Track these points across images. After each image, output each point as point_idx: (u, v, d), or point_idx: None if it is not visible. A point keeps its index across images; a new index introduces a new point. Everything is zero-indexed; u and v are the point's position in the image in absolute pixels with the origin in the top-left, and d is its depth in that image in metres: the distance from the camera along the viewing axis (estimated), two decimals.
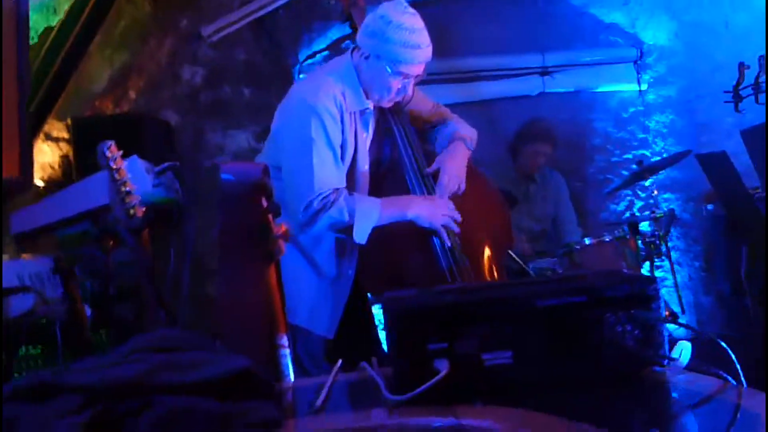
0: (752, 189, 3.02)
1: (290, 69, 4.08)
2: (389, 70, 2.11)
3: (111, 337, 1.96)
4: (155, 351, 1.01)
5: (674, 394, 1.08)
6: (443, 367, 1.08)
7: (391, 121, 2.29)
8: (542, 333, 1.12)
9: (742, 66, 4.28)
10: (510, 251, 2.96)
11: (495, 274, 2.21)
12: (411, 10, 2.12)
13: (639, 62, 4.64)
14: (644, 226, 3.68)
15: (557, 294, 1.12)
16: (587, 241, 3.23)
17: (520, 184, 3.98)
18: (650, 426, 0.98)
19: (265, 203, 1.41)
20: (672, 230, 4.47)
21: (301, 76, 4.20)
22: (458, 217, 2.17)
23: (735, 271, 3.54)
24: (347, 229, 2.06)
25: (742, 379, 1.02)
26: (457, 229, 2.16)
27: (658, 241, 3.37)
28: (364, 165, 2.23)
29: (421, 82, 2.27)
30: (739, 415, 0.99)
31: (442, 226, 2.13)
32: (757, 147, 2.89)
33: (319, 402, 1.13)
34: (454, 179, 2.27)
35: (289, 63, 4.06)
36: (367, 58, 2.15)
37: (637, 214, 4.31)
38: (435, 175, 2.28)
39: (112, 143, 1.52)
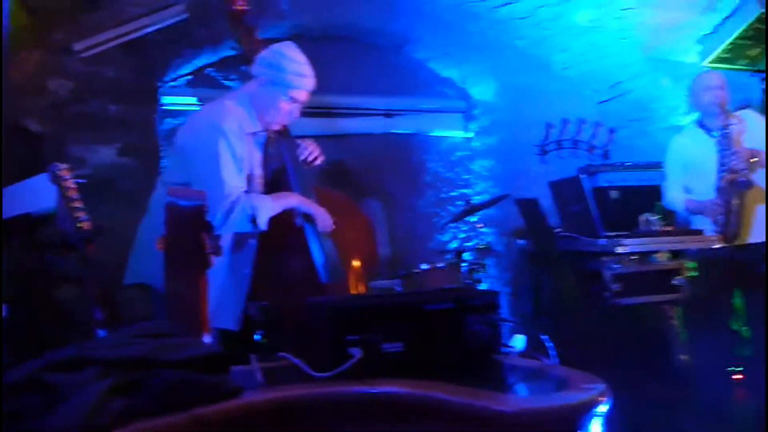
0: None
1: (156, 90, 4.25)
2: (283, 95, 2.55)
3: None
4: (151, 336, 1.30)
5: (511, 370, 1.57)
6: (357, 353, 1.48)
7: (282, 144, 2.69)
8: (425, 329, 1.56)
9: (548, 126, 5.16)
10: None
11: (364, 288, 2.65)
12: (299, 50, 2.62)
13: (467, 113, 5.39)
14: (467, 255, 4.33)
15: (436, 301, 1.57)
16: (424, 266, 3.78)
17: None
18: (499, 390, 1.45)
19: (201, 224, 1.73)
20: (488, 260, 5.22)
21: (163, 98, 4.39)
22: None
23: (536, 296, 4.29)
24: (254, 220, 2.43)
25: (557, 358, 1.53)
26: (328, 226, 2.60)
27: (480, 268, 4.00)
28: (258, 179, 2.61)
29: None
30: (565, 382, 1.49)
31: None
32: (558, 196, 3.62)
33: (259, 379, 1.48)
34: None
35: (156, 84, 4.23)
36: (263, 85, 2.56)
37: (456, 244, 4.99)
38: None
39: (65, 166, 1.73)
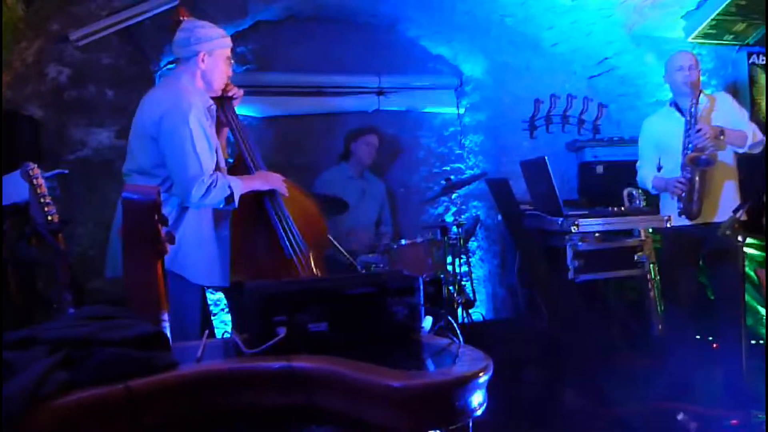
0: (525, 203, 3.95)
1: (152, 74, 4.44)
2: (222, 59, 2.82)
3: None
4: (96, 319, 1.52)
5: (426, 349, 1.77)
6: (281, 332, 1.69)
7: (227, 115, 3.00)
8: (348, 311, 1.76)
9: (537, 101, 5.28)
10: (340, 247, 3.62)
11: (318, 266, 2.91)
12: None
13: (459, 90, 5.51)
14: (454, 229, 4.50)
15: (357, 286, 1.76)
16: (403, 241, 3.96)
17: (355, 183, 4.67)
18: (414, 365, 1.65)
19: (156, 216, 1.93)
20: (478, 233, 5.39)
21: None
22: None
23: (519, 270, 4.48)
24: (227, 198, 2.69)
25: (461, 339, 1.73)
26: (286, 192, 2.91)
27: (459, 243, 4.18)
28: (220, 150, 2.87)
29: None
30: (457, 360, 1.68)
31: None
32: (528, 175, 3.77)
33: (199, 353, 1.70)
34: None
35: (151, 68, 4.43)
36: (203, 60, 2.78)
37: (451, 218, 5.17)
38: None
39: (34, 165, 1.95)
